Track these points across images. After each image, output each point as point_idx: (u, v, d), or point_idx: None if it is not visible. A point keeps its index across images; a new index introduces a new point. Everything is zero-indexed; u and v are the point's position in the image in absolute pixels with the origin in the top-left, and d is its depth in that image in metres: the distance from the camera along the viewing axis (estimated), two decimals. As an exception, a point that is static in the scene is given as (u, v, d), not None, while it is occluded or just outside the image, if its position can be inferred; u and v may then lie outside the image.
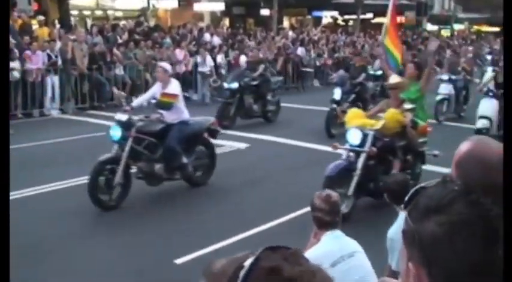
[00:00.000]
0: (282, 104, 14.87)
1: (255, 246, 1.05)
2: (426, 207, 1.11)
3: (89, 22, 23.56)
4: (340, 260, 3.58)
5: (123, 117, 7.94)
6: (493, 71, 13.62)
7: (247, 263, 1.01)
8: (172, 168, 8.30)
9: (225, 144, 11.02)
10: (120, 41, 16.96)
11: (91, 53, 15.79)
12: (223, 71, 17.84)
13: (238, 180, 9.05)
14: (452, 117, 14.58)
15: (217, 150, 9.41)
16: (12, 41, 15.16)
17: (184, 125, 8.36)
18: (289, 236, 6.22)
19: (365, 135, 7.29)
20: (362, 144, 7.28)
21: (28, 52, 15.53)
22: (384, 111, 7.75)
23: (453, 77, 14.59)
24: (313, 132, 12.30)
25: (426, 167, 8.22)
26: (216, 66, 17.59)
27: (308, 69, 20.72)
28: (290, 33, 25.03)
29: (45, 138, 11.85)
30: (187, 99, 13.30)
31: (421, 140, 8.11)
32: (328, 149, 7.80)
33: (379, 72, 15.24)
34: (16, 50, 15.40)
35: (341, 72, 14.52)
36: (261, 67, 14.63)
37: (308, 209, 4.00)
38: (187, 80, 16.96)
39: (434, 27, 41.79)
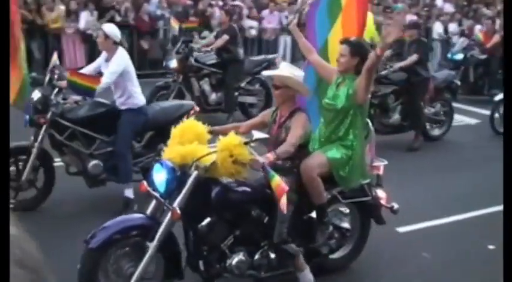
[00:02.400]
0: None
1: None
2: None
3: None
4: None
5: (37, 94, 5.95)
6: None
7: None
8: (114, 167, 6.23)
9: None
10: (352, 3, 16.75)
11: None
12: (454, 41, 16.05)
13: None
14: None
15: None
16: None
17: (136, 116, 6.20)
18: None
19: (185, 176, 4.11)
20: (178, 191, 4.09)
21: (265, 11, 16.55)
22: (265, 126, 4.65)
23: None
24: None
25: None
26: (448, 36, 16.02)
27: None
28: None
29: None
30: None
31: (364, 181, 4.83)
32: None
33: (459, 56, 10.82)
34: (255, 9, 16.57)
35: None
36: (224, 38, 9.80)
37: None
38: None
39: None
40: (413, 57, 8.64)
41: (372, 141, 5.06)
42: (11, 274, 0.52)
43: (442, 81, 9.63)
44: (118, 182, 6.20)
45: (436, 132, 9.67)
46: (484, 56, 12.14)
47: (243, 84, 10.20)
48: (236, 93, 10.05)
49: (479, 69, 12.31)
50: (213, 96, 9.83)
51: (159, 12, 15.20)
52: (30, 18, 13.15)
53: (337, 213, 4.92)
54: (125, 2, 15.06)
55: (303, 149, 4.50)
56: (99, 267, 4.02)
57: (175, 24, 10.70)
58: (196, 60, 9.77)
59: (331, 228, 4.74)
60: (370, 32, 12.97)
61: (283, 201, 3.94)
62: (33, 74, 7.60)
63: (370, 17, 13.25)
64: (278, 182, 3.97)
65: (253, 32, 16.22)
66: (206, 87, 9.87)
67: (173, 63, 9.57)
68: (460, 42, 12.99)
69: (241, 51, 10.19)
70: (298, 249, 4.48)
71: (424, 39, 9.52)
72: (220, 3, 16.24)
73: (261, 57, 11.37)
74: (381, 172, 5.08)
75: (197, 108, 6.75)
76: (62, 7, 13.94)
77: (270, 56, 11.18)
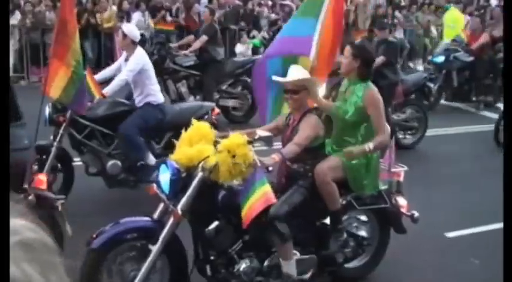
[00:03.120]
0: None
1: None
2: None
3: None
4: None
5: None
6: None
7: None
8: (133, 167, 6.13)
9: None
10: (402, 3, 16.52)
11: (373, 15, 15.89)
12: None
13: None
14: None
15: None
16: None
17: (152, 110, 6.17)
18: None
19: (191, 178, 3.98)
20: (183, 193, 3.98)
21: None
22: (280, 131, 4.56)
23: None
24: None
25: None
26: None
27: None
28: None
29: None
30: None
31: (380, 187, 4.63)
32: None
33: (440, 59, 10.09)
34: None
35: None
36: (202, 39, 9.47)
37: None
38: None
39: None
40: (379, 60, 7.87)
41: (392, 146, 4.86)
42: None
43: (412, 85, 8.89)
44: (138, 181, 6.15)
45: (408, 140, 8.91)
46: (470, 59, 10.99)
47: (224, 87, 9.64)
48: (217, 96, 9.48)
49: (464, 72, 11.11)
50: (191, 99, 9.28)
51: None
52: (85, 18, 13.60)
53: (353, 220, 4.74)
54: (176, 2, 15.36)
55: (317, 152, 4.36)
56: (100, 267, 3.93)
57: (152, 25, 10.74)
58: (174, 62, 9.43)
59: (345, 235, 4.57)
60: (458, 26, 12.35)
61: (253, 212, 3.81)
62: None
63: (458, 14, 12.95)
64: (266, 190, 3.80)
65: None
66: (183, 89, 9.44)
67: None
68: (443, 43, 11.89)
69: (221, 51, 9.67)
70: (290, 234, 4.14)
71: (393, 40, 8.77)
72: (270, 2, 16.30)
73: (245, 58, 10.78)
74: (401, 178, 4.85)
75: (217, 110, 6.67)
76: (115, 7, 14.36)
77: (255, 57, 10.30)
